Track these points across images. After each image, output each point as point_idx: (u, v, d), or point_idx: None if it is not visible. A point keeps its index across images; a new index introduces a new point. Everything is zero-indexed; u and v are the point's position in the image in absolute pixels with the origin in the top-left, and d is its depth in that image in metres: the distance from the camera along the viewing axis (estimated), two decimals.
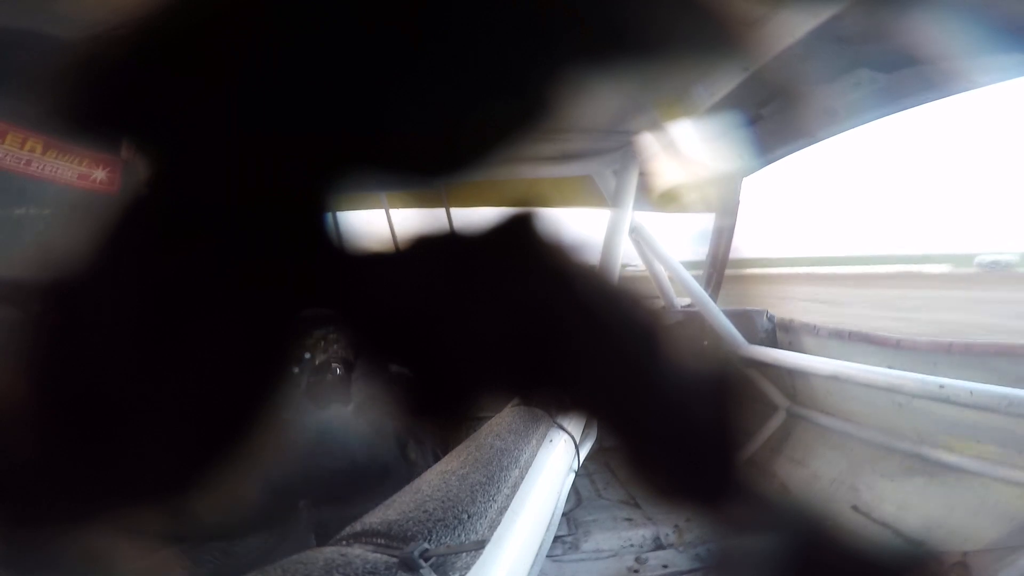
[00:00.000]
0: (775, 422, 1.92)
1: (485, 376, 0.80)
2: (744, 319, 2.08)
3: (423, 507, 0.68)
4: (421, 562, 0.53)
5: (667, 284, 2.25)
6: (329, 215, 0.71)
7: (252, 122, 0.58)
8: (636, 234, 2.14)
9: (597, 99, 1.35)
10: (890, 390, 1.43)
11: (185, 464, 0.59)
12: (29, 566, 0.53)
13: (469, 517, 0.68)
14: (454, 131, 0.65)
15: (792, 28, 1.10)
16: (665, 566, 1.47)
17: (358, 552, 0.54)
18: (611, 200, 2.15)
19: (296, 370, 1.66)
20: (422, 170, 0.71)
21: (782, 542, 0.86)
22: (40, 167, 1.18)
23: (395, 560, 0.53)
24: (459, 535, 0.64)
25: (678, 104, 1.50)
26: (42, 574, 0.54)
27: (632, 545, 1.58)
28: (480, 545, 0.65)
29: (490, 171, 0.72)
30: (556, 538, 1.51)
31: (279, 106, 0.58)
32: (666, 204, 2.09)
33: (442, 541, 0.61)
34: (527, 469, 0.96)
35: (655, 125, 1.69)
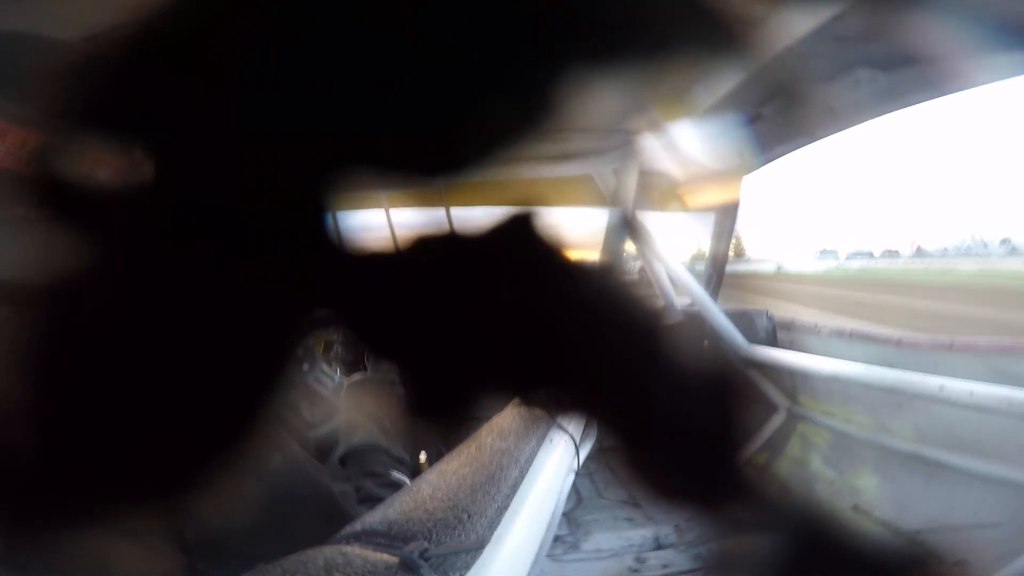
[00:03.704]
0: (775, 422, 1.92)
1: (485, 376, 0.80)
2: (744, 319, 2.08)
3: (423, 507, 0.68)
4: (421, 562, 0.53)
5: (667, 284, 2.25)
6: (329, 215, 0.71)
7: (251, 122, 0.58)
8: (636, 234, 2.14)
9: (597, 98, 1.35)
10: (890, 390, 1.43)
11: (185, 466, 0.59)
12: (29, 567, 0.53)
13: (469, 517, 0.68)
14: (454, 131, 0.65)
15: (792, 28, 1.10)
16: (665, 566, 1.47)
17: (358, 552, 0.54)
18: (611, 200, 2.15)
19: (295, 371, 1.66)
20: (422, 170, 0.71)
21: (782, 542, 0.86)
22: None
23: (395, 560, 0.53)
24: (459, 535, 0.64)
25: (678, 104, 1.50)
26: (42, 574, 0.54)
27: (632, 545, 1.58)
28: (480, 545, 0.65)
29: (490, 171, 0.72)
30: (556, 538, 1.51)
31: (279, 106, 0.58)
32: (666, 204, 2.09)
33: (442, 541, 0.61)
34: (527, 469, 0.96)
35: (655, 125, 1.69)
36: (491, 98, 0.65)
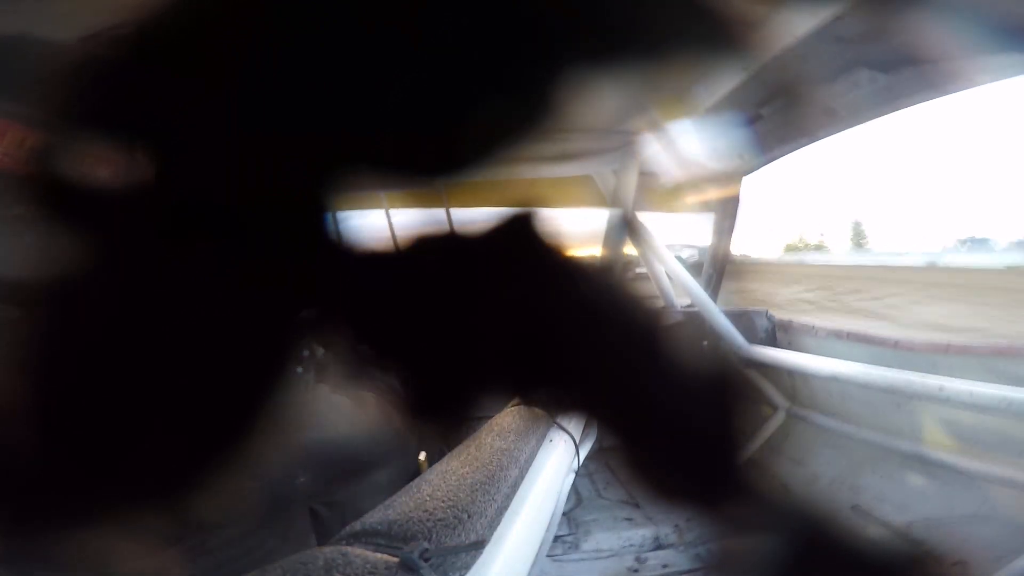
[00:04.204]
0: (775, 422, 1.92)
1: (486, 376, 0.80)
2: (744, 319, 2.08)
3: (423, 507, 0.68)
4: (421, 562, 0.53)
5: (667, 284, 2.25)
6: (329, 215, 0.71)
7: (252, 122, 0.58)
8: (636, 234, 2.14)
9: (597, 99, 1.35)
10: (890, 390, 1.43)
11: (186, 464, 0.59)
12: (29, 566, 0.53)
13: (469, 517, 0.68)
14: (454, 131, 0.65)
15: (792, 28, 1.10)
16: (665, 566, 1.47)
17: (358, 552, 0.54)
18: (611, 200, 2.15)
19: (296, 371, 1.65)
20: (422, 170, 0.71)
21: (782, 542, 0.86)
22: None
23: (395, 560, 0.53)
24: (459, 535, 0.64)
25: (678, 104, 1.51)
26: (42, 574, 0.54)
27: (632, 545, 1.58)
28: (480, 545, 0.65)
29: (490, 171, 0.73)
30: (556, 538, 1.51)
31: (279, 106, 0.58)
32: (666, 204, 2.09)
33: (442, 541, 0.61)
34: (527, 469, 0.96)
35: (655, 125, 1.69)
36: (491, 98, 0.65)
